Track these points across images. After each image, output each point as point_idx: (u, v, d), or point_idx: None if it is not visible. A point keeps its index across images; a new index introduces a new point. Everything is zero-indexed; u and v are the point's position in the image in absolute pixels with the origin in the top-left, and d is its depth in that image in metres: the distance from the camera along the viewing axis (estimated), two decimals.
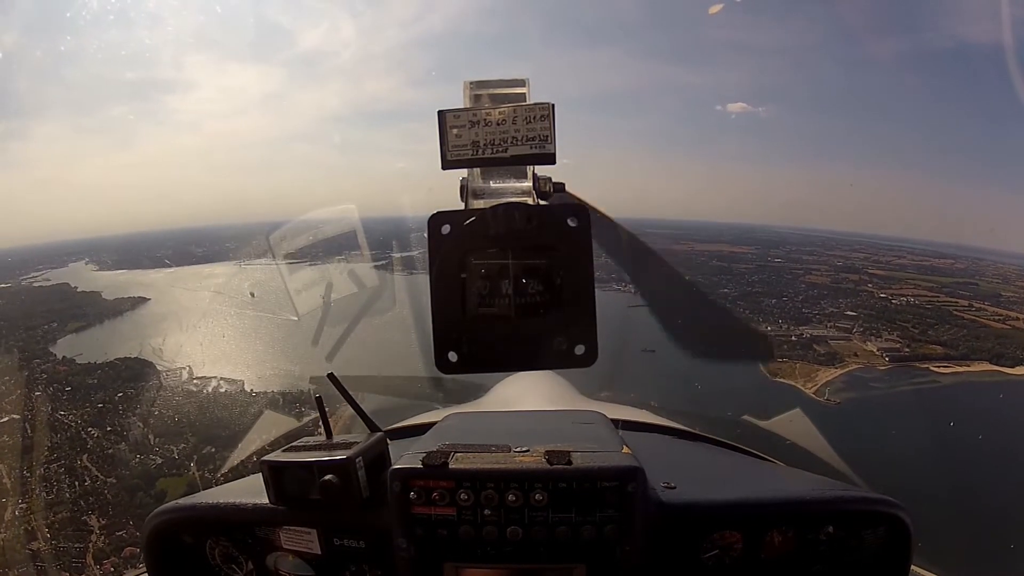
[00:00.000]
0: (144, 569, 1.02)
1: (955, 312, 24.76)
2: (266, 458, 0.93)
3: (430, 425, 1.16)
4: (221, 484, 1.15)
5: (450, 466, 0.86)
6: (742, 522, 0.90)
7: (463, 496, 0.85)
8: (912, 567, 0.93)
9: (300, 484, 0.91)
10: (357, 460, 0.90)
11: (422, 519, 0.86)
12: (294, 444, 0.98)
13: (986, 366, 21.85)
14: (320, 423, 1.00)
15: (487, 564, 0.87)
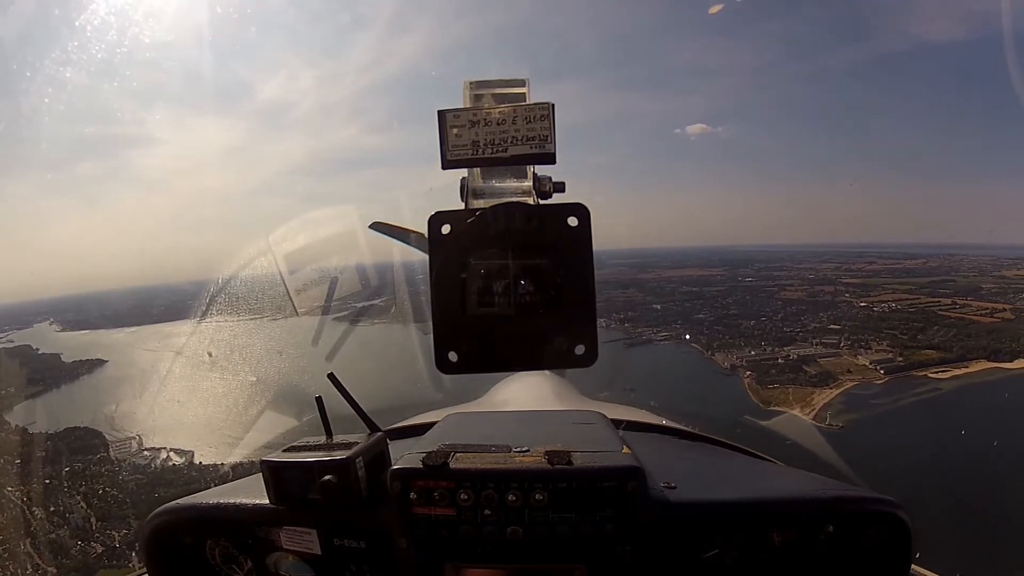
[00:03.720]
0: (144, 569, 1.01)
1: (940, 312, 23.88)
2: (266, 458, 0.92)
3: (430, 425, 1.16)
4: (221, 484, 1.13)
5: (450, 466, 0.86)
6: (743, 522, 0.90)
7: (463, 496, 0.84)
8: (912, 567, 0.93)
9: (300, 484, 0.90)
10: (357, 460, 0.89)
11: (422, 519, 0.86)
12: (294, 444, 0.97)
13: (984, 364, 20.93)
14: (320, 423, 0.99)
15: (487, 564, 0.86)
